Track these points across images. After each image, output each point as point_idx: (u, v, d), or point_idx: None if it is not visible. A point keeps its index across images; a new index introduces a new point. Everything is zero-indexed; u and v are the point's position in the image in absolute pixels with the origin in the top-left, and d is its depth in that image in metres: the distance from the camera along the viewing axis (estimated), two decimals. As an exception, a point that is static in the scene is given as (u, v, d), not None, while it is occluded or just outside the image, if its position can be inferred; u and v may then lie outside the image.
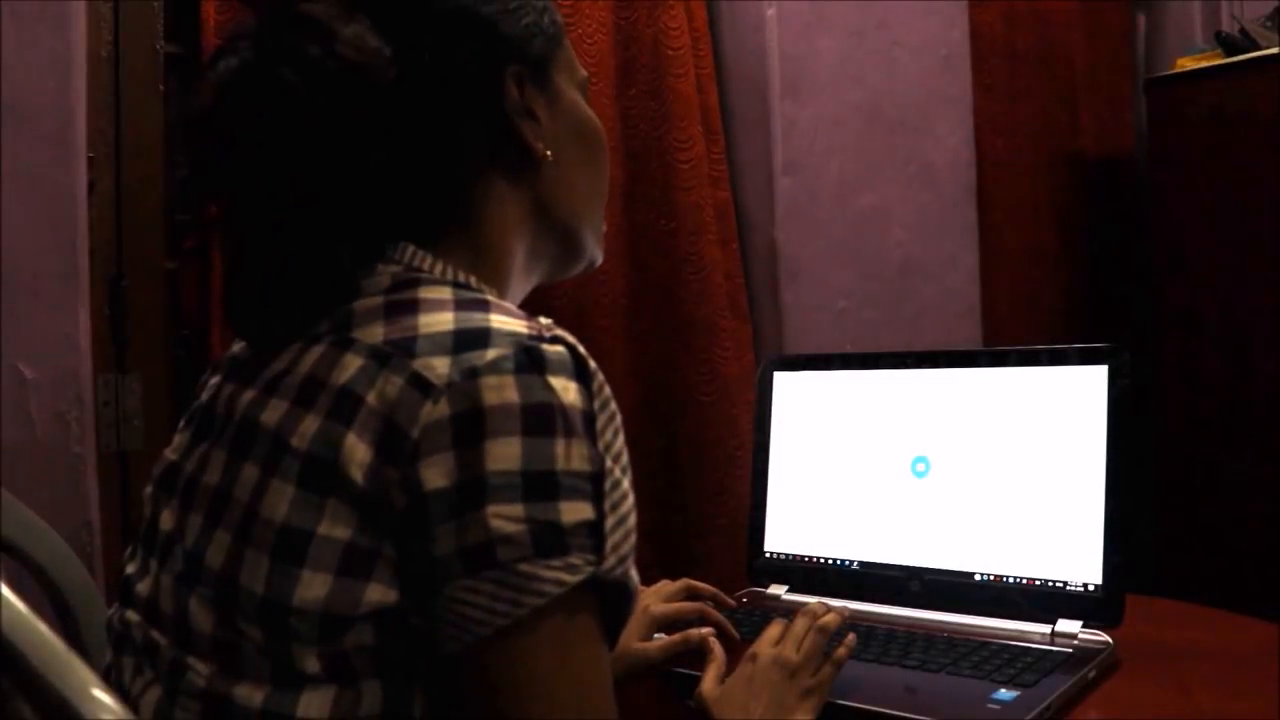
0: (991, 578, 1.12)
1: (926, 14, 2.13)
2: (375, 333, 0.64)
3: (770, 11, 1.92)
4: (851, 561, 1.22)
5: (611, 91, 1.78)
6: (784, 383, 1.31)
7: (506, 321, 0.63)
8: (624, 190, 1.80)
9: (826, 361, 1.30)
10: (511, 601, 0.59)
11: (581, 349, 0.65)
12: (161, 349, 1.49)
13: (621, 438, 0.66)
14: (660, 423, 1.83)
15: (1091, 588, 1.07)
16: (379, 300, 0.66)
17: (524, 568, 0.59)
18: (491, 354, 0.61)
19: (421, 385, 0.60)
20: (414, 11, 0.72)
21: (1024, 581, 1.10)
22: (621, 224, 1.79)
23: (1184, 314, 2.31)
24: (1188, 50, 2.44)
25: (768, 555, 1.28)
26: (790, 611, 0.96)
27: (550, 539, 0.59)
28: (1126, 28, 2.72)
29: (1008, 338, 2.28)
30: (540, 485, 0.59)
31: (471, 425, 0.59)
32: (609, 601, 0.64)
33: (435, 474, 0.59)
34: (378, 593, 0.60)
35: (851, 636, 0.94)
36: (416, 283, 0.68)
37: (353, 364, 0.62)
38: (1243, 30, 2.25)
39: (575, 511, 0.60)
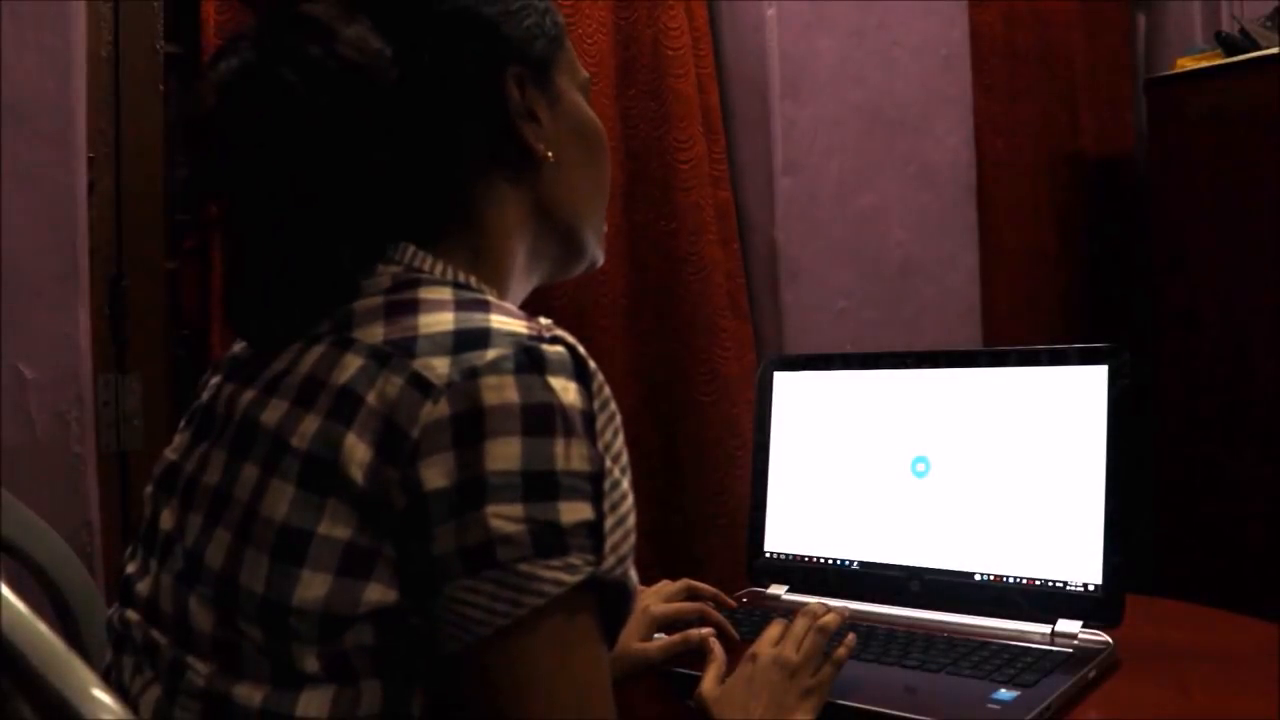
0: (991, 578, 1.12)
1: (926, 14, 2.13)
2: (375, 333, 0.64)
3: (770, 11, 1.92)
4: (851, 561, 1.22)
5: (611, 91, 1.78)
6: (784, 383, 1.31)
7: (506, 322, 0.64)
8: (624, 190, 1.80)
9: (826, 361, 1.30)
10: (511, 601, 0.59)
11: (581, 349, 0.65)
12: (161, 349, 1.49)
13: (621, 438, 0.66)
14: (660, 423, 1.83)
15: (1091, 588, 1.07)
16: (379, 300, 0.66)
17: (523, 568, 0.59)
18: (491, 354, 0.61)
19: (421, 385, 0.60)
20: (415, 12, 0.72)
21: (1024, 581, 1.10)
22: (621, 224, 1.79)
23: (1184, 314, 2.31)
24: (1188, 50, 2.44)
25: (768, 555, 1.28)
26: (790, 611, 0.96)
27: (550, 539, 0.59)
28: (1126, 28, 2.72)
29: (1008, 338, 2.28)
30: (540, 485, 0.59)
31: (471, 425, 0.59)
32: (608, 601, 0.64)
33: (435, 474, 0.59)
34: (377, 592, 0.60)
35: (851, 636, 0.94)
36: (417, 283, 0.68)
37: (353, 364, 0.63)
38: (1243, 30, 2.25)
39: (575, 512, 0.60)
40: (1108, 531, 1.07)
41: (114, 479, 1.43)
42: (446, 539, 0.59)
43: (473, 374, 0.60)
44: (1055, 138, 2.49)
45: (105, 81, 1.44)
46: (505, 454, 0.59)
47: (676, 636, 1.03)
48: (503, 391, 0.60)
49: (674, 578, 1.14)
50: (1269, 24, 2.24)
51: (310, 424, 0.62)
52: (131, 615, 0.69)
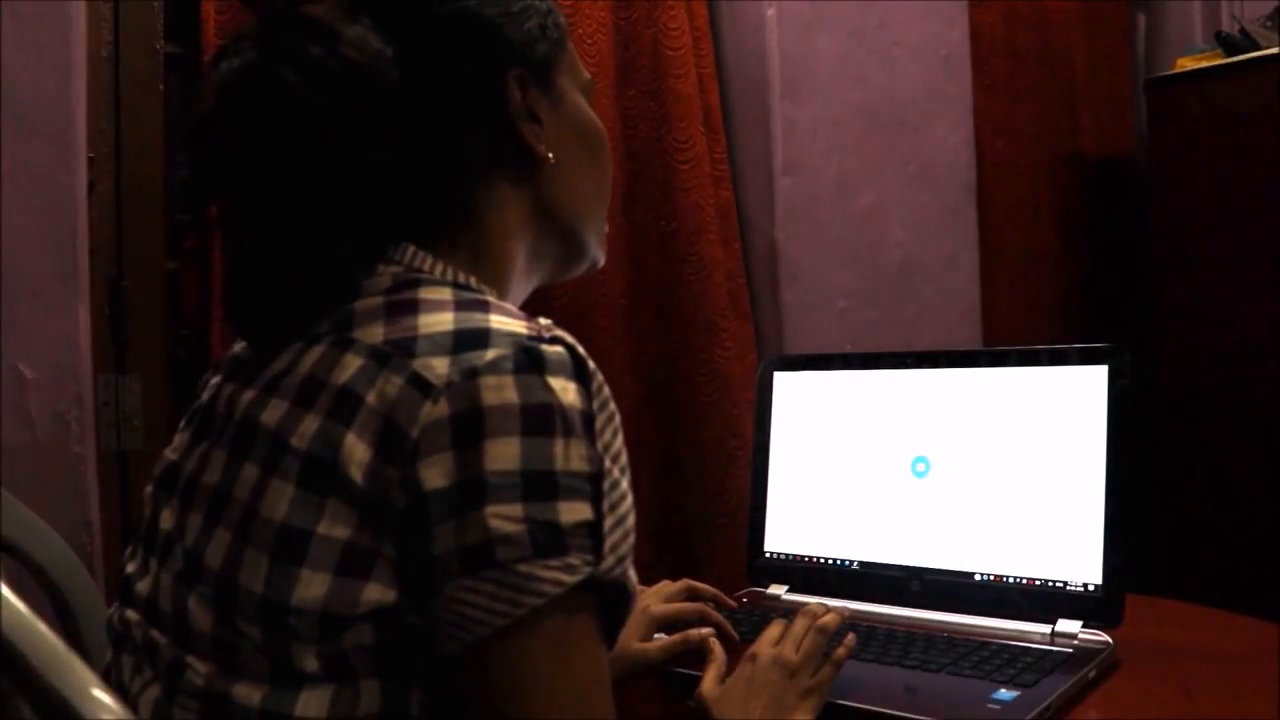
0: (991, 578, 1.12)
1: (926, 14, 2.13)
2: (375, 333, 0.64)
3: (770, 11, 1.92)
4: (851, 561, 1.22)
5: (611, 91, 1.78)
6: (784, 383, 1.31)
7: (506, 322, 0.64)
8: (624, 190, 1.80)
9: (826, 361, 1.30)
10: (510, 601, 0.59)
11: (581, 349, 0.65)
12: (161, 349, 1.49)
13: (620, 438, 0.66)
14: (660, 423, 1.83)
15: (1091, 588, 1.07)
16: (379, 300, 0.67)
17: (523, 568, 0.59)
18: (491, 354, 0.61)
19: (421, 385, 0.60)
20: (416, 13, 0.72)
21: (1024, 581, 1.10)
22: (621, 224, 1.79)
23: (1184, 314, 2.31)
24: (1188, 50, 2.44)
25: (768, 555, 1.28)
26: (790, 611, 0.96)
27: (549, 539, 0.59)
28: (1126, 28, 2.72)
29: (1008, 338, 2.28)
30: (539, 485, 0.59)
31: (471, 425, 0.59)
32: (608, 601, 0.64)
33: (435, 474, 0.59)
34: (377, 592, 0.60)
35: (851, 636, 0.94)
36: (417, 283, 0.68)
37: (353, 364, 0.63)
38: (1243, 30, 2.25)
39: (574, 512, 0.60)
40: (1108, 531, 1.07)
41: (114, 479, 1.43)
42: (446, 539, 0.59)
43: (472, 374, 0.60)
44: (1055, 138, 2.49)
45: (105, 81, 1.44)
46: (505, 454, 0.59)
47: (676, 636, 1.03)
48: (502, 392, 0.60)
49: (674, 578, 1.14)
50: (1269, 24, 2.24)
51: (310, 424, 0.62)
52: (131, 615, 0.69)
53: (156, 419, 1.46)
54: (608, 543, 0.62)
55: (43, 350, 1.32)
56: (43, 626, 0.52)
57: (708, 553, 1.81)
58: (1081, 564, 1.07)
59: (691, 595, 1.13)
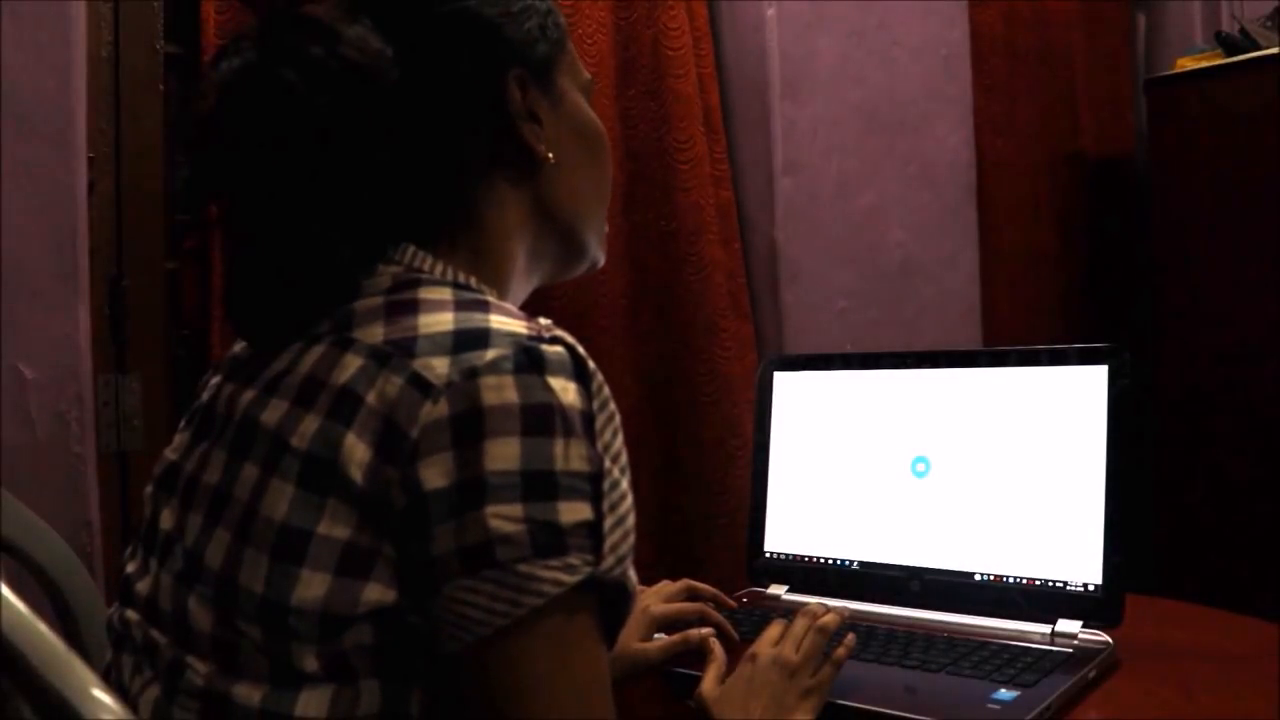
0: (991, 578, 1.12)
1: (926, 14, 2.13)
2: (375, 333, 0.64)
3: (770, 11, 1.92)
4: (851, 561, 1.22)
5: (611, 91, 1.78)
6: (784, 383, 1.31)
7: (506, 322, 0.64)
8: (624, 190, 1.80)
9: (826, 361, 1.30)
10: (510, 601, 0.59)
11: (581, 349, 0.65)
12: (161, 349, 1.49)
13: (620, 438, 0.66)
14: (661, 423, 1.83)
15: (1091, 588, 1.07)
16: (379, 300, 0.67)
17: (523, 568, 0.59)
18: (491, 354, 0.61)
19: (421, 385, 0.60)
20: (417, 14, 0.72)
21: (1024, 581, 1.10)
22: (621, 224, 1.79)
23: (1184, 314, 2.31)
24: (1188, 50, 2.44)
25: (768, 555, 1.28)
26: (790, 611, 0.96)
27: (549, 539, 0.59)
28: (1126, 28, 2.72)
29: (1008, 338, 2.28)
30: (539, 485, 0.60)
31: (471, 425, 0.59)
32: (608, 601, 0.64)
33: (434, 474, 0.59)
34: (376, 592, 0.60)
35: (851, 636, 0.94)
36: (417, 283, 0.68)
37: (353, 364, 0.63)
38: (1243, 30, 2.25)
39: (574, 512, 0.60)
40: (1108, 531, 1.07)
41: (114, 479, 1.43)
42: (446, 539, 0.59)
43: (472, 374, 0.60)
44: (1055, 138, 2.48)
45: (105, 81, 1.44)
46: (504, 454, 0.59)
47: (676, 636, 1.03)
48: (502, 391, 0.60)
49: (674, 578, 1.14)
50: (1269, 24, 2.24)
51: (310, 424, 0.62)
52: (131, 615, 0.69)
53: (156, 419, 1.46)
54: (608, 543, 0.62)
55: (43, 350, 1.32)
56: (43, 626, 0.52)
57: (708, 553, 1.81)
58: (1081, 564, 1.07)
59: (691, 595, 1.13)
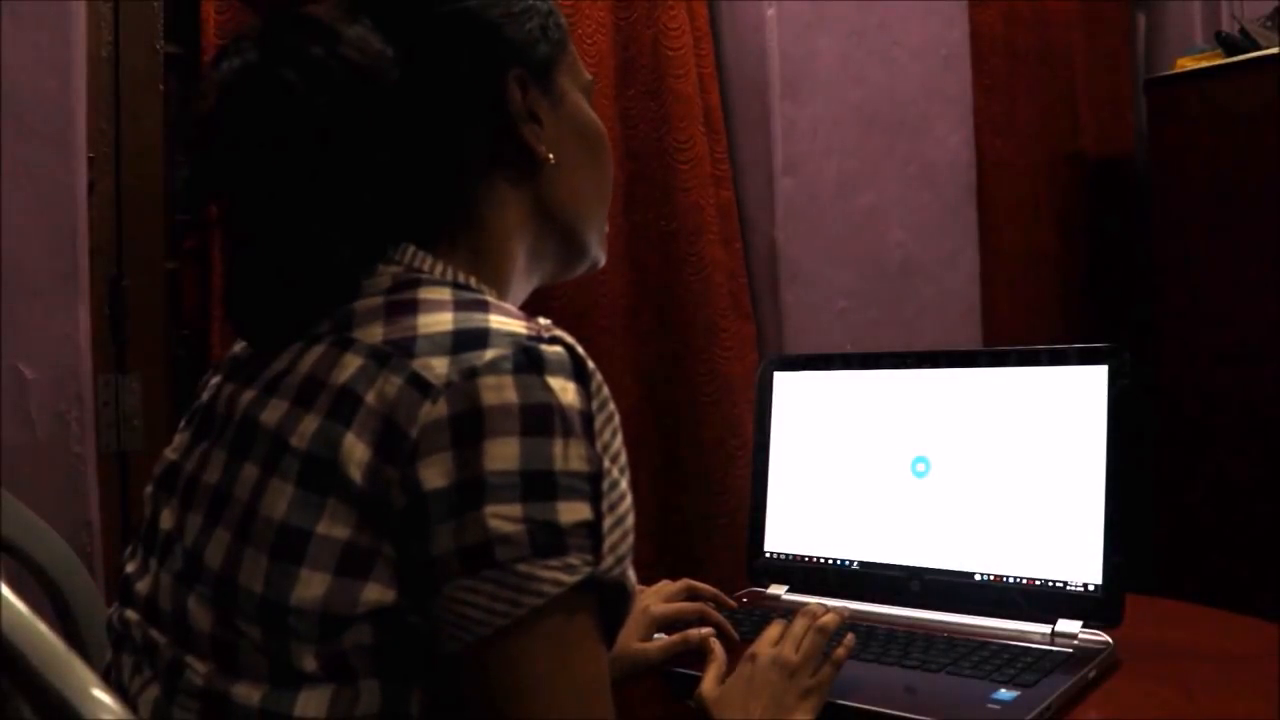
0: (991, 578, 1.12)
1: (926, 14, 2.13)
2: (375, 333, 0.64)
3: (770, 11, 1.92)
4: (851, 561, 1.22)
5: (611, 91, 1.78)
6: (784, 383, 1.31)
7: (505, 322, 0.64)
8: (624, 190, 1.80)
9: (826, 361, 1.30)
10: (510, 601, 0.59)
11: (580, 349, 0.65)
12: (161, 349, 1.49)
13: (620, 438, 0.66)
14: (661, 423, 1.83)
15: (1091, 588, 1.07)
16: (379, 300, 0.67)
17: (522, 568, 0.59)
18: (490, 354, 0.61)
19: (420, 385, 0.60)
20: (417, 14, 0.72)
21: (1024, 581, 1.10)
22: (621, 224, 1.79)
23: (1184, 314, 2.31)
24: (1188, 50, 2.44)
25: (768, 555, 1.28)
26: (790, 611, 0.96)
27: (548, 539, 0.59)
28: (1126, 28, 2.72)
29: (1008, 338, 2.27)
30: (538, 485, 0.60)
31: (470, 425, 0.59)
32: (607, 601, 0.64)
33: (434, 474, 0.59)
34: (376, 592, 0.60)
35: (851, 636, 0.94)
36: (416, 283, 0.68)
37: (352, 364, 0.63)
38: (1243, 30, 2.25)
39: (573, 512, 0.60)
40: (1108, 531, 1.07)
41: (114, 479, 1.43)
42: (445, 539, 0.59)
43: (471, 374, 0.60)
44: (1055, 138, 2.48)
45: (105, 81, 1.44)
46: (504, 454, 0.59)
47: (676, 636, 1.03)
48: (501, 391, 0.60)
49: (674, 578, 1.14)
50: (1269, 24, 2.24)
51: (310, 424, 0.62)
52: (131, 615, 0.69)
53: (156, 419, 1.46)
54: (607, 543, 0.62)
55: (43, 350, 1.32)
56: (43, 626, 0.52)
57: (708, 553, 1.81)
58: (1081, 564, 1.07)
59: (691, 595, 1.13)
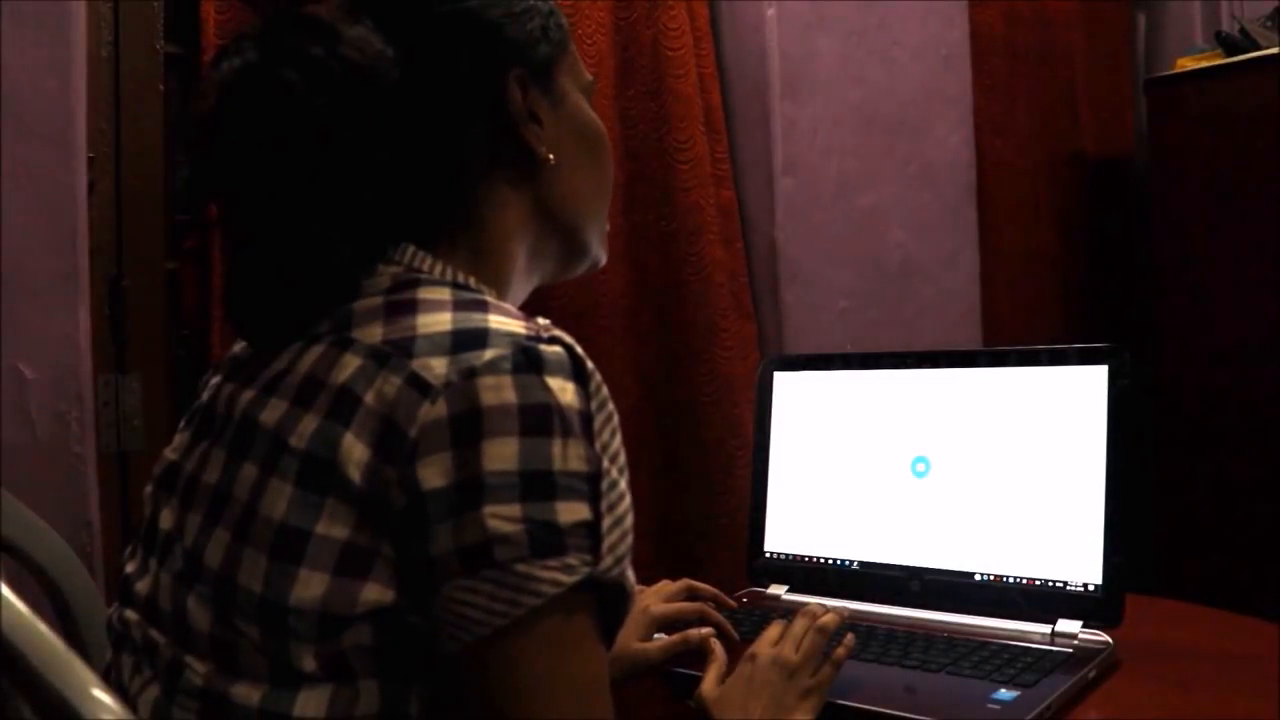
0: (991, 578, 1.12)
1: (926, 14, 2.13)
2: (374, 333, 0.64)
3: (770, 11, 1.92)
4: (851, 561, 1.22)
5: (611, 91, 1.78)
6: (784, 383, 1.31)
7: (504, 322, 0.64)
8: (624, 190, 1.80)
9: (826, 361, 1.30)
10: (509, 602, 0.59)
11: (579, 349, 0.65)
12: (161, 349, 1.49)
13: (619, 438, 0.66)
14: (661, 423, 1.83)
15: (1091, 588, 1.07)
16: (379, 300, 0.67)
17: (521, 568, 0.59)
18: (489, 354, 0.61)
19: (419, 385, 0.60)
20: (418, 14, 0.72)
21: (1024, 581, 1.10)
22: (621, 224, 1.79)
23: (1184, 314, 2.31)
24: (1188, 50, 2.44)
25: (768, 555, 1.28)
26: (790, 611, 0.96)
27: (547, 539, 0.59)
28: (1126, 28, 2.72)
29: (1008, 338, 2.28)
30: (537, 485, 0.60)
31: (469, 425, 0.59)
32: (606, 602, 0.64)
33: (433, 474, 0.59)
34: (375, 592, 0.60)
35: (850, 636, 0.94)
36: (416, 283, 0.68)
37: (351, 364, 0.63)
38: (1243, 30, 2.25)
39: (572, 512, 0.60)
40: (1108, 531, 1.07)
41: (114, 479, 1.43)
42: (444, 539, 0.59)
43: (471, 374, 0.60)
44: (1055, 138, 2.48)
45: (105, 81, 1.44)
46: (503, 454, 0.59)
47: (676, 636, 1.03)
48: (500, 392, 0.60)
49: (674, 578, 1.14)
50: (1269, 24, 2.24)
51: (309, 423, 0.62)
52: (130, 615, 0.69)
53: (156, 419, 1.46)
54: (606, 543, 0.62)
55: (43, 350, 1.32)
56: (43, 626, 0.52)
57: (708, 553, 1.81)
58: (1081, 564, 1.07)
59: (691, 595, 1.13)
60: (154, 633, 0.66)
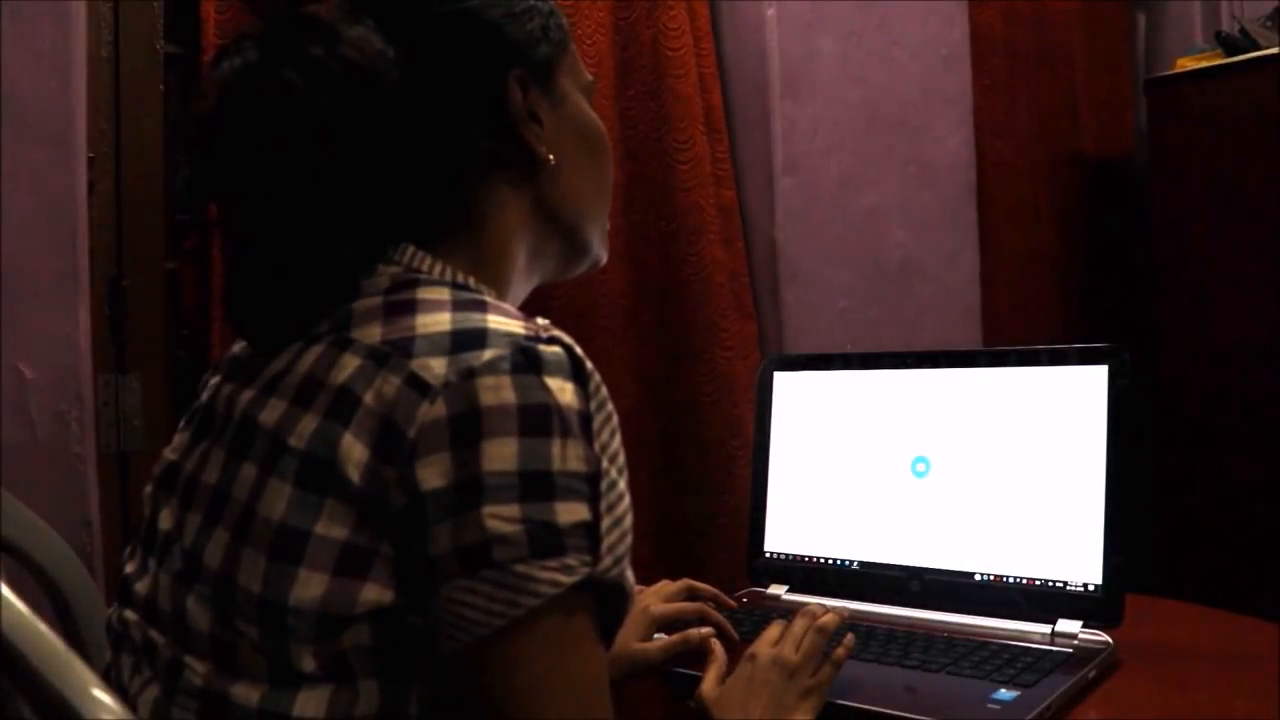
0: (991, 578, 1.12)
1: (926, 14, 2.13)
2: (373, 333, 0.64)
3: (770, 11, 1.92)
4: (851, 561, 1.22)
5: (611, 92, 1.78)
6: (784, 383, 1.31)
7: (503, 322, 0.64)
8: (623, 190, 1.80)
9: (826, 361, 1.30)
10: (508, 602, 0.59)
11: (578, 350, 0.65)
12: (161, 349, 1.49)
13: (618, 439, 0.66)
14: (661, 423, 1.83)
15: (1091, 588, 1.07)
16: (378, 300, 0.67)
17: (520, 568, 0.59)
18: (488, 354, 0.61)
19: (419, 385, 0.60)
20: (418, 14, 0.72)
21: (1024, 581, 1.10)
22: (621, 224, 1.79)
23: (1184, 313, 2.31)
24: (1188, 50, 2.44)
25: (768, 555, 1.28)
26: (790, 611, 0.96)
27: (546, 539, 0.59)
28: (1126, 28, 2.72)
29: (1008, 338, 2.28)
30: (536, 486, 0.60)
31: (468, 425, 0.59)
32: (605, 602, 0.64)
33: (432, 474, 0.59)
34: (374, 592, 0.60)
35: (850, 636, 0.94)
36: (415, 283, 0.68)
37: (351, 364, 0.63)
38: (1243, 30, 2.25)
39: (571, 512, 0.60)
40: (1108, 531, 1.07)
41: (114, 479, 1.43)
42: (443, 539, 0.59)
43: (470, 374, 0.60)
44: (1055, 138, 2.48)
45: (105, 81, 1.44)
46: (502, 454, 0.59)
47: (676, 636, 1.03)
48: (500, 392, 0.60)
49: (674, 578, 1.14)
50: (1269, 24, 2.24)
51: (308, 423, 0.62)
52: (130, 615, 0.69)
53: (156, 419, 1.46)
54: (605, 543, 0.62)
55: (43, 350, 1.32)
56: (43, 626, 0.52)
57: (708, 553, 1.81)
58: (1081, 564, 1.07)
59: (691, 595, 1.13)
60: (153, 633, 0.66)
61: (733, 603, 1.18)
